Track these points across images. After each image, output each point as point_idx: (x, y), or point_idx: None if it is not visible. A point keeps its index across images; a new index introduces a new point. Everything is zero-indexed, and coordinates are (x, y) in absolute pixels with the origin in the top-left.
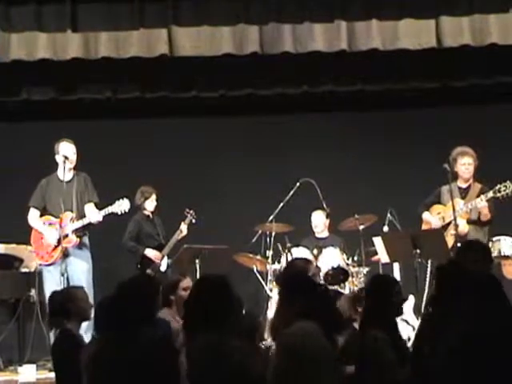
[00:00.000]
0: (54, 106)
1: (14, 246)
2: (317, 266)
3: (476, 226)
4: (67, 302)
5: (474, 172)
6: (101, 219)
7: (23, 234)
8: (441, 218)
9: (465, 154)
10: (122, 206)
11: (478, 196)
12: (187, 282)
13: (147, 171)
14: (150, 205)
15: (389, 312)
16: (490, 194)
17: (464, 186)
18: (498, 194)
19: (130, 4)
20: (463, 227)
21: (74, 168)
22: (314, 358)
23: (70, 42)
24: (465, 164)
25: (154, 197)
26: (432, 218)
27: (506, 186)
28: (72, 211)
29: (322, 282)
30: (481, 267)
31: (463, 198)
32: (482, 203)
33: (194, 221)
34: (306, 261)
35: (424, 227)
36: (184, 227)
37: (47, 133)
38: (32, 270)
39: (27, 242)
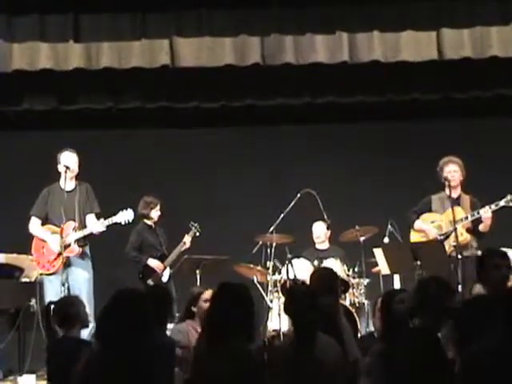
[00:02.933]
0: (55, 115)
1: (14, 255)
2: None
3: (473, 236)
4: (68, 308)
5: (461, 181)
6: (104, 229)
7: (24, 244)
8: (437, 226)
9: (450, 162)
10: (126, 216)
11: (471, 207)
12: (209, 294)
13: (148, 181)
14: (155, 215)
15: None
16: (502, 203)
17: (454, 195)
18: (511, 204)
19: (132, 15)
20: (466, 236)
21: (76, 178)
22: None
23: (72, 52)
24: (450, 171)
25: (158, 207)
26: (426, 226)
27: None
28: (74, 221)
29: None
30: None
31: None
32: (487, 214)
33: (197, 233)
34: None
35: (415, 235)
36: (188, 239)
37: (48, 142)
38: (32, 279)
39: (28, 252)
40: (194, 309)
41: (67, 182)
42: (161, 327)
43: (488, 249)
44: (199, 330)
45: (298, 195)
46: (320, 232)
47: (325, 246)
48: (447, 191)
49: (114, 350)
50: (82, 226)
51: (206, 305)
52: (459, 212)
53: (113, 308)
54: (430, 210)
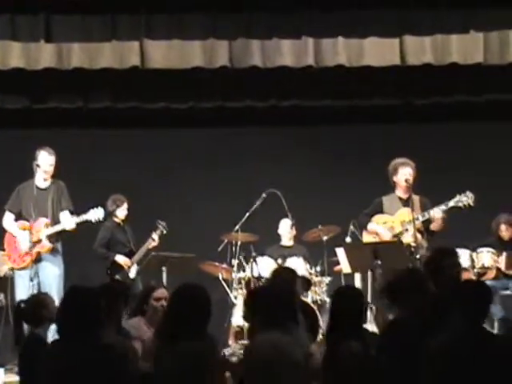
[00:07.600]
0: (26, 114)
1: None
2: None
3: (424, 237)
4: (40, 308)
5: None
6: (74, 226)
7: None
8: (389, 227)
9: (406, 165)
10: (96, 214)
11: (421, 208)
12: (161, 293)
13: (115, 180)
14: (122, 213)
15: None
16: (451, 204)
17: (404, 196)
18: (460, 204)
19: (102, 16)
20: (417, 236)
21: (52, 176)
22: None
23: (43, 52)
24: (406, 174)
25: (125, 205)
26: (380, 228)
27: (467, 197)
28: (47, 217)
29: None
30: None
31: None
32: (439, 214)
33: (164, 232)
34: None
35: (368, 237)
36: (156, 236)
37: (19, 141)
38: (1, 274)
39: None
40: (145, 306)
41: (40, 180)
42: (115, 324)
43: (440, 248)
44: (149, 326)
45: (263, 195)
46: (288, 228)
47: (290, 242)
48: (397, 192)
49: (68, 345)
50: (55, 222)
51: (157, 303)
52: (409, 213)
53: (64, 305)
54: (381, 211)
